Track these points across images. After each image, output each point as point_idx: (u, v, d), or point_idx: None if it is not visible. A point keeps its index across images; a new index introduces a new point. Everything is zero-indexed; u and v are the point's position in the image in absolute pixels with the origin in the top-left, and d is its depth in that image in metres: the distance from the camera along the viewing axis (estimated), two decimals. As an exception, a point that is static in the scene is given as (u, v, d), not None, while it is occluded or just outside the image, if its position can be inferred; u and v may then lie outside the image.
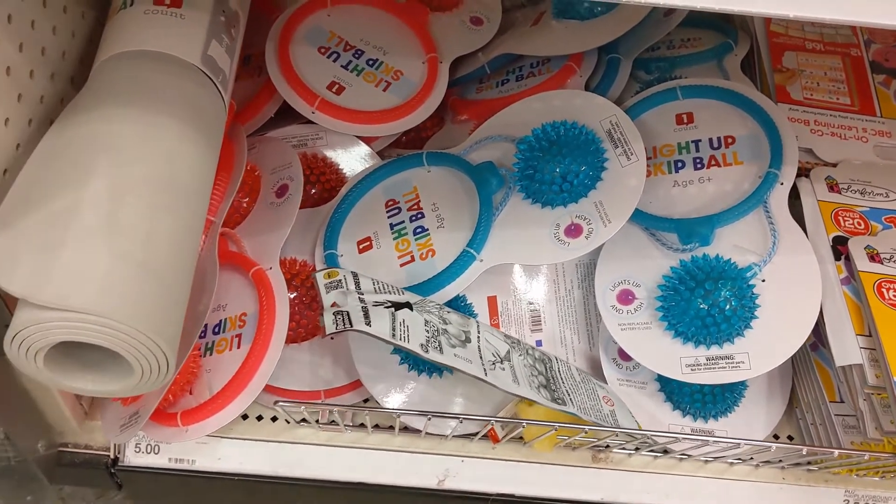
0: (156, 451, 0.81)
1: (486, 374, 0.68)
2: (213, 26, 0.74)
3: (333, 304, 0.69)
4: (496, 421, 0.73)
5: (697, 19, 1.06)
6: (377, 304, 0.69)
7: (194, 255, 0.65)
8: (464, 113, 0.97)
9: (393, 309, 0.69)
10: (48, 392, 0.75)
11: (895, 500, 0.82)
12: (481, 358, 0.70)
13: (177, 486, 0.84)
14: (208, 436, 0.80)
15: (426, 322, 0.70)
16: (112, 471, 0.82)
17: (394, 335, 0.66)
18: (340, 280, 0.72)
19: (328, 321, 0.66)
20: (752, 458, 0.81)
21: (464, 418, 0.71)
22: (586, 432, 0.71)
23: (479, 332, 0.73)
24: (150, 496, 0.88)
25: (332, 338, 0.82)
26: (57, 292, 0.55)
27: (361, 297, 0.70)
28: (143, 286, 0.58)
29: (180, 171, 0.65)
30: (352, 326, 0.65)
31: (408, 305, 0.70)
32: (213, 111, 0.72)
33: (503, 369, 0.71)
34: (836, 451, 0.70)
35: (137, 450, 0.81)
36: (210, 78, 0.72)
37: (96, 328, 0.56)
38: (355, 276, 0.74)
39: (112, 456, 0.82)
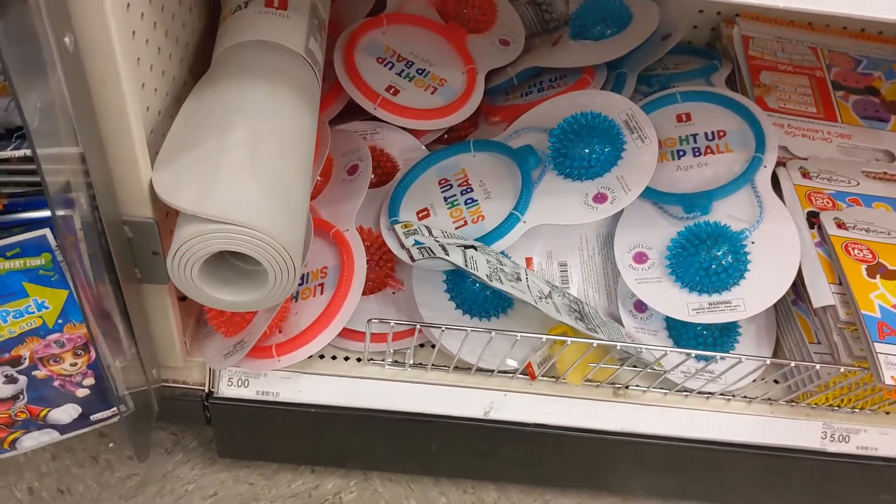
0: (245, 385, 0.95)
1: (536, 303, 0.84)
2: (310, 26, 0.92)
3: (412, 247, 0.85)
4: (522, 336, 0.87)
5: (688, 49, 1.27)
6: (449, 244, 0.85)
7: (308, 194, 0.81)
8: (496, 116, 1.15)
9: (464, 248, 0.85)
10: (166, 325, 0.88)
11: (865, 431, 0.99)
12: (530, 291, 0.86)
13: (258, 422, 0.97)
14: (290, 370, 0.95)
15: (487, 260, 0.86)
16: (206, 403, 0.96)
17: (466, 264, 0.82)
18: (416, 229, 0.88)
19: (415, 253, 0.81)
20: (745, 396, 0.97)
21: (496, 332, 0.86)
22: (618, 349, 0.87)
23: (526, 273, 0.89)
24: (233, 434, 1.01)
25: (401, 288, 0.98)
26: (219, 208, 0.70)
27: (436, 240, 0.86)
28: (280, 210, 0.74)
29: (296, 129, 0.81)
30: (434, 256, 0.80)
31: (473, 247, 0.86)
32: (314, 91, 0.88)
33: (548, 303, 0.87)
34: (818, 365, 0.87)
35: (230, 383, 0.95)
36: (311, 65, 0.89)
37: (248, 239, 0.71)
38: (427, 227, 0.90)
39: (207, 389, 0.96)
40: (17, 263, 0.69)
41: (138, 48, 0.71)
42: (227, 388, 0.95)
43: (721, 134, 1.04)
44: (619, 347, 0.86)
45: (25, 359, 0.76)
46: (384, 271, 1.00)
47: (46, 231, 0.68)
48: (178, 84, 0.88)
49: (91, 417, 0.83)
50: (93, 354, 0.78)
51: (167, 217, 0.80)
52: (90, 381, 0.80)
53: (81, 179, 0.67)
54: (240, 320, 0.91)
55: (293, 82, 0.85)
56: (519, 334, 0.86)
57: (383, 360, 0.96)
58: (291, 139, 0.80)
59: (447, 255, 0.81)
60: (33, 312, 0.73)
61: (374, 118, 1.09)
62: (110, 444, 1.08)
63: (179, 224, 0.73)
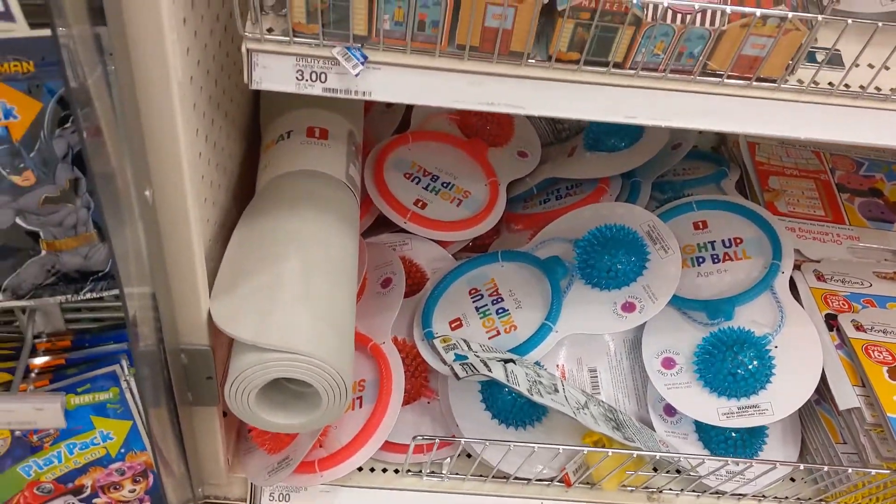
0: (286, 500, 0.97)
1: (575, 415, 0.87)
2: (348, 153, 0.97)
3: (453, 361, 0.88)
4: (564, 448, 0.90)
5: (697, 154, 1.33)
6: (489, 359, 0.88)
7: (354, 316, 0.84)
8: (518, 224, 1.20)
9: (503, 362, 0.88)
10: (212, 444, 0.90)
11: (895, 529, 1.01)
12: (568, 403, 0.89)
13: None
14: (331, 484, 0.97)
15: (526, 374, 0.89)
16: (248, 518, 0.97)
17: (507, 380, 0.85)
18: (455, 343, 0.92)
19: (459, 370, 0.85)
20: (776, 497, 0.99)
21: (538, 447, 0.89)
22: (657, 459, 0.89)
23: (562, 384, 0.92)
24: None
25: (435, 398, 1.01)
26: (278, 337, 0.74)
27: (476, 354, 0.89)
28: (333, 336, 0.77)
29: (344, 255, 0.85)
30: (478, 373, 0.84)
31: (511, 360, 0.89)
32: (355, 215, 0.93)
33: (585, 413, 0.90)
34: (850, 469, 0.89)
35: (271, 498, 0.96)
36: (352, 190, 0.94)
37: (305, 366, 0.74)
38: (465, 340, 0.94)
39: (249, 504, 0.97)
40: (87, 398, 0.71)
41: (203, 188, 0.75)
42: (269, 503, 0.96)
43: (738, 241, 1.09)
44: (658, 458, 0.89)
45: (87, 488, 0.78)
46: (419, 381, 1.03)
47: (116, 367, 0.71)
48: (224, 212, 0.92)
49: (145, 541, 0.85)
50: (150, 481, 0.80)
51: (220, 343, 0.83)
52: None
53: (150, 315, 0.71)
54: (284, 437, 0.93)
55: (338, 209, 0.89)
56: (561, 447, 0.88)
57: (420, 472, 0.98)
58: (340, 265, 0.84)
59: (490, 371, 0.84)
60: (98, 444, 0.75)
61: (403, 230, 1.14)
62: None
63: (237, 353, 0.76)
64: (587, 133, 1.25)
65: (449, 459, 0.99)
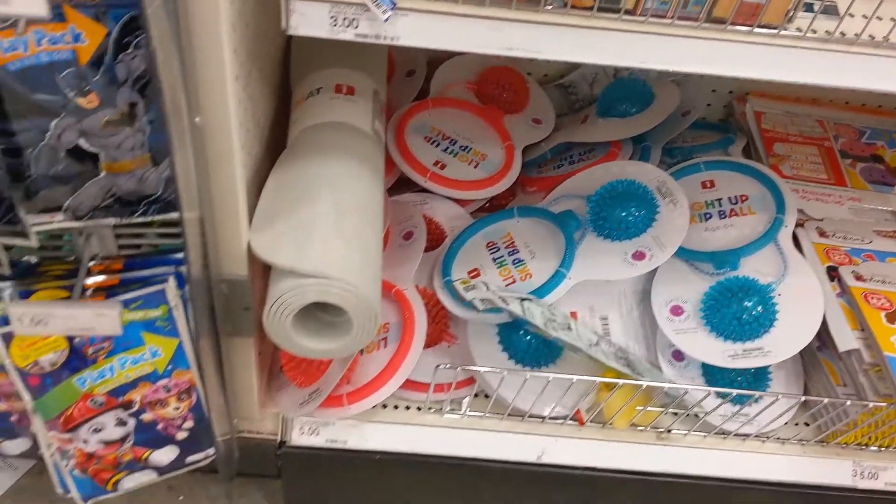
0: (315, 433, 1.03)
1: (588, 349, 0.93)
2: (374, 109, 1.03)
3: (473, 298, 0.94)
4: (578, 379, 0.96)
5: (705, 124, 1.38)
6: (507, 297, 0.94)
7: (381, 254, 0.90)
8: (533, 186, 1.26)
9: (519, 300, 0.93)
10: (248, 376, 0.96)
11: (893, 468, 1.06)
12: (581, 339, 0.94)
13: (327, 469, 1.04)
14: (357, 419, 1.03)
15: (541, 312, 0.94)
16: (279, 452, 1.03)
17: (524, 314, 0.90)
18: (474, 285, 0.98)
19: (478, 304, 0.90)
20: (778, 438, 1.05)
21: (553, 377, 0.94)
22: (667, 392, 0.95)
23: (575, 324, 0.98)
24: (302, 483, 1.08)
25: (455, 342, 1.06)
26: (314, 264, 0.80)
27: (493, 293, 0.95)
28: (363, 267, 0.83)
29: (371, 198, 0.91)
30: (497, 307, 0.89)
31: (528, 299, 0.95)
32: (380, 164, 0.99)
33: (598, 349, 0.95)
34: (848, 402, 0.94)
35: (301, 432, 1.02)
36: (377, 142, 0.99)
37: (339, 291, 0.80)
38: (484, 283, 0.99)
39: (280, 438, 1.03)
40: (139, 315, 0.77)
41: (242, 131, 0.81)
42: (299, 437, 1.02)
43: (744, 198, 1.15)
44: (666, 389, 0.94)
45: (136, 403, 0.84)
46: (439, 326, 1.08)
47: (166, 285, 0.77)
48: (258, 160, 0.98)
49: (187, 459, 0.91)
50: (194, 399, 0.86)
51: (255, 276, 0.89)
52: (190, 424, 0.88)
53: (198, 241, 0.77)
54: (314, 371, 0.99)
55: (366, 156, 0.95)
56: (574, 377, 0.94)
57: (441, 409, 1.04)
58: (368, 206, 0.90)
59: (507, 305, 0.90)
60: (147, 359, 0.81)
61: (423, 190, 1.20)
62: (180, 498, 1.14)
63: (276, 279, 0.82)
64: (600, 100, 1.31)
65: (468, 398, 1.04)
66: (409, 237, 1.13)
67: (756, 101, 1.39)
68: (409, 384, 1.04)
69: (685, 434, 1.05)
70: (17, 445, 0.90)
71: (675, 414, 1.05)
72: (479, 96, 1.32)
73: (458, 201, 1.22)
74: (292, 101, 1.05)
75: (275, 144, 1.03)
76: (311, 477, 1.07)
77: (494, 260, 1.10)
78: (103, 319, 0.71)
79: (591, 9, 0.77)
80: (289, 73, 1.09)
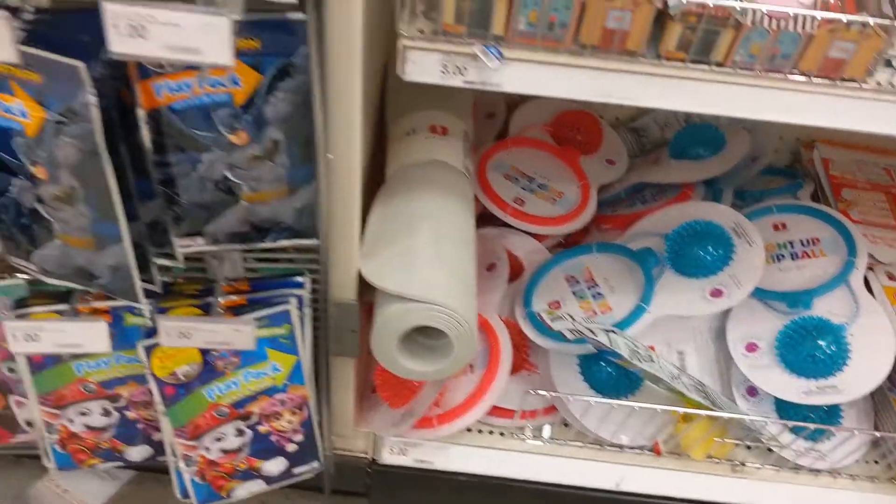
0: (404, 453, 1.08)
1: (672, 381, 0.97)
2: (465, 148, 1.10)
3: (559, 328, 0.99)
4: (662, 409, 1.00)
5: (773, 170, 1.43)
6: (594, 328, 0.99)
7: (475, 280, 0.96)
8: (608, 224, 1.32)
9: (605, 331, 0.99)
10: (346, 396, 1.02)
11: (964, 509, 1.08)
12: (663, 370, 0.99)
13: (414, 488, 1.10)
14: (443, 441, 1.08)
15: (625, 343, 0.99)
16: (369, 469, 1.08)
17: (610, 344, 0.96)
18: (560, 315, 1.03)
19: (567, 334, 0.96)
20: (850, 474, 1.08)
21: (639, 407, 0.99)
22: (744, 425, 0.99)
23: (656, 357, 1.03)
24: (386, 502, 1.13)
25: (535, 371, 1.12)
26: (420, 289, 0.86)
27: (580, 323, 1.00)
28: (463, 293, 0.89)
29: (465, 229, 0.98)
30: (585, 335, 0.95)
31: (612, 331, 1.00)
32: (471, 199, 1.05)
33: (680, 382, 1.00)
34: (923, 439, 0.97)
35: (391, 451, 1.08)
36: (468, 178, 1.06)
37: (442, 315, 0.86)
38: (569, 314, 1.05)
39: (370, 457, 1.09)
40: (265, 332, 0.84)
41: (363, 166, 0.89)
42: (389, 456, 1.08)
43: (815, 241, 1.19)
44: (748, 421, 0.99)
45: (255, 415, 0.90)
46: (520, 355, 1.14)
47: (291, 306, 0.84)
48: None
49: (294, 471, 0.97)
50: (305, 414, 0.92)
51: (360, 303, 0.95)
52: (299, 437, 0.94)
53: (326, 266, 0.83)
54: (406, 393, 1.05)
55: (459, 192, 1.02)
56: (659, 407, 0.98)
57: (523, 435, 1.09)
58: (463, 238, 0.97)
59: (594, 335, 0.95)
60: (269, 374, 0.88)
61: (503, 224, 1.26)
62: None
63: (384, 304, 0.88)
64: (673, 143, 1.37)
65: (548, 425, 1.09)
66: (492, 269, 1.19)
67: (823, 147, 1.44)
68: (493, 409, 1.09)
69: (759, 468, 1.09)
70: (138, 452, 0.97)
71: (749, 447, 1.08)
72: (555, 137, 1.39)
73: (535, 236, 1.27)
74: (388, 137, 1.12)
75: (371, 176, 1.10)
76: (398, 496, 1.12)
77: (574, 293, 1.15)
78: (239, 335, 0.78)
79: (683, 61, 0.83)
80: (382, 111, 1.16)
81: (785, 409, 1.10)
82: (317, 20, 0.68)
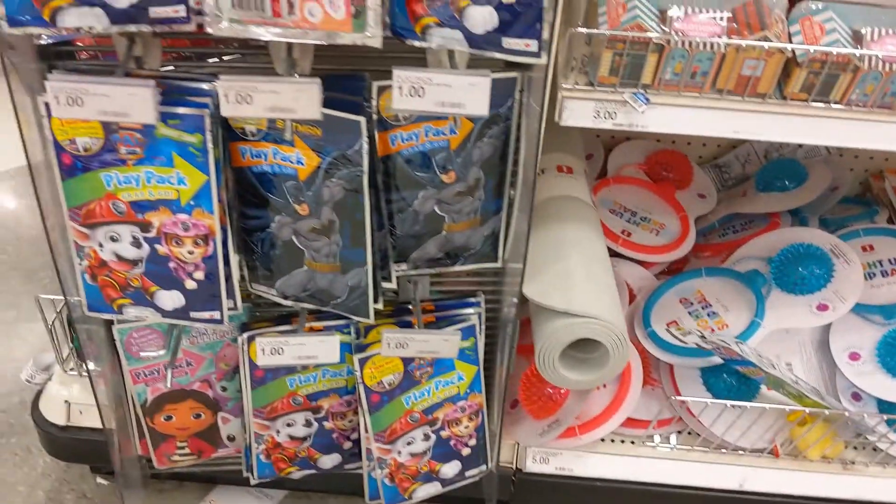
0: (546, 462, 1.19)
1: (796, 383, 1.09)
2: (589, 184, 1.23)
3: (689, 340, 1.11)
4: (791, 409, 1.11)
5: (847, 198, 1.55)
6: (722, 341, 1.11)
7: (619, 302, 1.08)
8: (706, 252, 1.44)
9: (735, 342, 1.11)
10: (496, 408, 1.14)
11: None
12: (785, 376, 1.11)
13: (555, 495, 1.20)
14: (581, 451, 1.19)
15: (752, 352, 1.11)
16: (514, 478, 1.19)
17: (742, 353, 1.07)
18: (688, 331, 1.15)
19: (702, 343, 1.07)
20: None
21: (770, 407, 1.10)
22: (849, 427, 1.10)
23: (776, 364, 1.14)
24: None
25: (658, 385, 1.23)
26: (580, 305, 0.98)
27: (708, 338, 1.12)
28: (615, 309, 1.01)
29: (604, 254, 1.11)
30: (716, 347, 1.06)
31: (739, 342, 1.12)
32: (601, 229, 1.18)
33: (800, 385, 1.11)
34: None
35: (534, 460, 1.19)
36: (595, 211, 1.19)
37: (602, 328, 0.98)
38: (698, 331, 1.17)
39: (515, 466, 1.20)
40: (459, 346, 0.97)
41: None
42: (532, 465, 1.19)
43: (903, 259, 1.31)
44: (863, 419, 1.10)
45: (439, 421, 1.02)
46: (644, 371, 1.25)
47: (472, 324, 0.97)
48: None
49: (466, 473, 1.08)
50: (480, 420, 1.04)
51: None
52: (473, 442, 1.05)
53: (511, 288, 0.96)
54: (552, 406, 1.16)
55: (593, 223, 1.15)
56: (788, 408, 1.10)
57: (653, 442, 1.20)
58: (604, 261, 1.09)
59: (729, 346, 1.07)
60: (455, 383, 0.99)
61: (613, 254, 1.39)
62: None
63: (548, 319, 1.00)
64: (759, 176, 1.50)
65: (674, 434, 1.20)
66: (612, 294, 1.31)
67: (892, 177, 1.56)
68: (627, 420, 1.20)
69: (867, 465, 1.19)
70: (331, 460, 1.08)
71: (856, 448, 1.19)
72: (650, 175, 1.52)
73: (644, 264, 1.40)
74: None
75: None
76: (542, 501, 1.22)
77: (690, 313, 1.27)
78: (447, 344, 0.90)
79: (806, 101, 0.96)
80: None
81: (889, 411, 1.20)
82: (522, 79, 0.82)
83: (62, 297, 0.93)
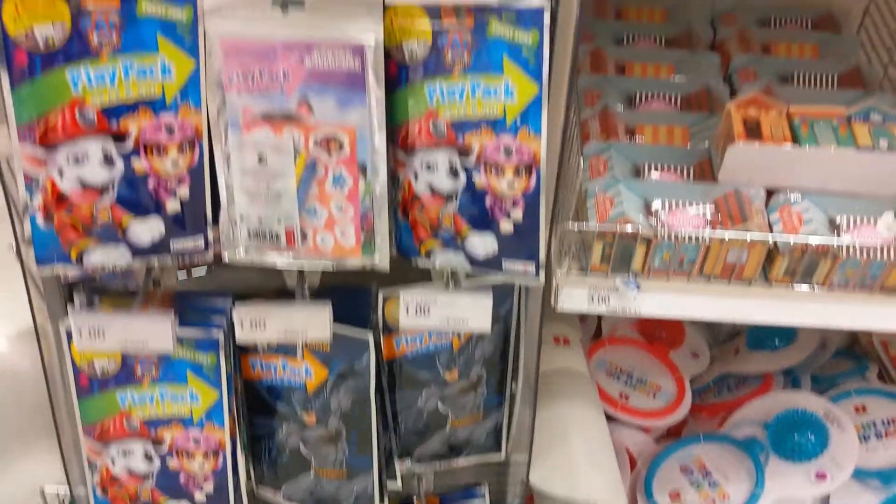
0: None
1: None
2: (584, 355, 1.26)
3: None
4: None
5: (837, 352, 1.59)
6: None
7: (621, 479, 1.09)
8: (703, 412, 1.46)
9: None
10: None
11: None
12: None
13: None
14: None
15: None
16: None
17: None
18: (691, 505, 1.15)
19: None
20: None
21: None
22: None
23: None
24: None
25: None
26: (584, 494, 0.99)
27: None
28: (618, 494, 1.02)
29: (605, 432, 1.13)
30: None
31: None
32: (599, 401, 1.20)
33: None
34: None
35: None
36: (594, 384, 1.22)
37: None
38: (699, 504, 1.17)
39: None
40: None
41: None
42: None
43: (895, 421, 1.33)
44: None
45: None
46: None
47: (482, 513, 0.98)
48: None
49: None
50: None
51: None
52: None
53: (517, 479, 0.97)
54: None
55: (592, 398, 1.18)
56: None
57: None
58: (606, 439, 1.11)
59: None
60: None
61: (608, 419, 1.40)
62: None
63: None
64: (749, 335, 1.53)
65: None
66: (611, 462, 1.32)
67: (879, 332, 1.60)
68: None
69: None
70: None
71: None
72: (643, 334, 1.55)
73: (643, 427, 1.41)
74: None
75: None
76: None
77: (690, 483, 1.28)
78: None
79: (789, 284, 1.01)
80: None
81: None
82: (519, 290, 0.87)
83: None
